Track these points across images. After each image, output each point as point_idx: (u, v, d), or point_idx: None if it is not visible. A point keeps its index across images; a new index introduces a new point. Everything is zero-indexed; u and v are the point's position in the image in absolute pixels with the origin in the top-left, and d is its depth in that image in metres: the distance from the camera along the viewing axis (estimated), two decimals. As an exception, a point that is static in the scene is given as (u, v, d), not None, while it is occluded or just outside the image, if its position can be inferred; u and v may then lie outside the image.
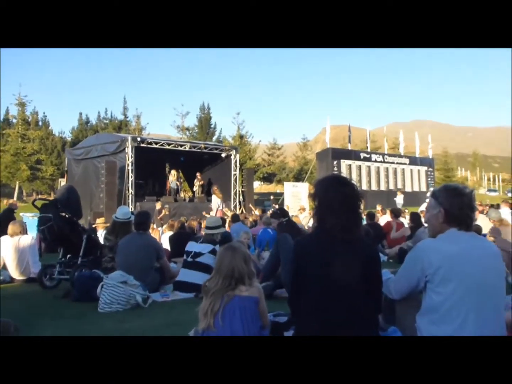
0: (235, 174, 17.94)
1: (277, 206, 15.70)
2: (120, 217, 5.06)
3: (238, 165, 18.10)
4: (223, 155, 17.64)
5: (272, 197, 20.96)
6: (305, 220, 11.26)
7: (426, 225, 3.27)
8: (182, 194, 20.76)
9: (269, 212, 14.78)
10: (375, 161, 23.95)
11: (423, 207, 18.16)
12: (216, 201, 13.23)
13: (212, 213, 12.90)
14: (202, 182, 17.94)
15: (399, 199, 19.15)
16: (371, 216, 8.08)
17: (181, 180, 19.22)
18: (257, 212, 14.62)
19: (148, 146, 15.16)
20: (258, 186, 59.16)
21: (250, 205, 15.94)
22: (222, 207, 13.28)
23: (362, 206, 1.95)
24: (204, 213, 13.68)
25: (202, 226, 9.82)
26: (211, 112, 35.84)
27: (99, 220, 8.90)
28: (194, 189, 18.14)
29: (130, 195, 14.58)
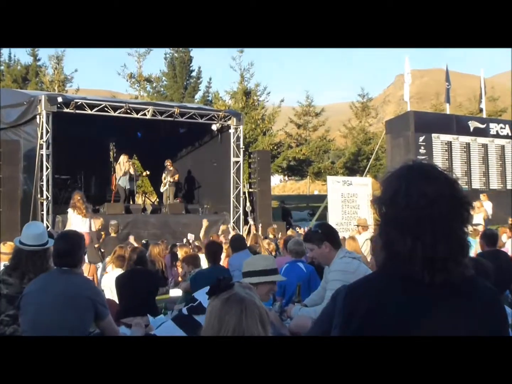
0: (237, 162, 18.04)
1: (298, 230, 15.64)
2: (28, 242, 5.11)
3: (242, 146, 18.19)
4: (214, 127, 17.75)
5: (282, 203, 20.53)
6: (368, 245, 11.23)
7: None
8: (139, 200, 20.91)
9: (296, 232, 14.70)
10: (497, 135, 23.77)
11: None
12: (74, 219, 12.92)
13: (87, 239, 12.64)
14: (176, 177, 18.09)
15: (486, 207, 18.90)
16: (491, 238, 8.01)
17: (138, 174, 19.42)
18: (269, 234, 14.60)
19: (78, 112, 15.36)
20: (280, 184, 59.14)
21: (269, 231, 15.65)
22: (90, 229, 13.03)
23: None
24: (189, 237, 13.70)
25: (180, 255, 9.91)
26: (191, 49, 36.12)
27: (5, 247, 8.89)
28: (162, 189, 18.30)
29: (45, 202, 14.77)
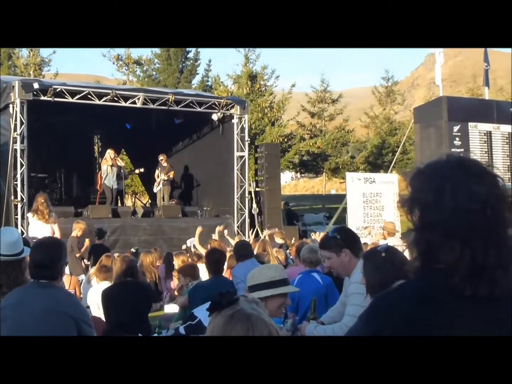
0: (241, 157, 18.04)
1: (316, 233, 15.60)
2: (0, 251, 5.13)
3: (247, 138, 18.19)
4: (215, 116, 17.75)
5: (286, 204, 20.59)
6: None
7: None
8: (129, 201, 20.97)
9: (313, 237, 14.65)
10: (545, 124, 23.67)
11: None
12: (34, 225, 12.76)
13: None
14: (171, 174, 18.10)
15: None
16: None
17: (128, 171, 19.42)
18: (277, 240, 14.56)
19: (57, 100, 15.40)
20: (291, 182, 59.00)
21: (276, 235, 15.44)
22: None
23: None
24: (189, 243, 13.46)
25: (176, 265, 9.90)
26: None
27: None
28: (155, 189, 18.32)
29: (19, 204, 14.82)
